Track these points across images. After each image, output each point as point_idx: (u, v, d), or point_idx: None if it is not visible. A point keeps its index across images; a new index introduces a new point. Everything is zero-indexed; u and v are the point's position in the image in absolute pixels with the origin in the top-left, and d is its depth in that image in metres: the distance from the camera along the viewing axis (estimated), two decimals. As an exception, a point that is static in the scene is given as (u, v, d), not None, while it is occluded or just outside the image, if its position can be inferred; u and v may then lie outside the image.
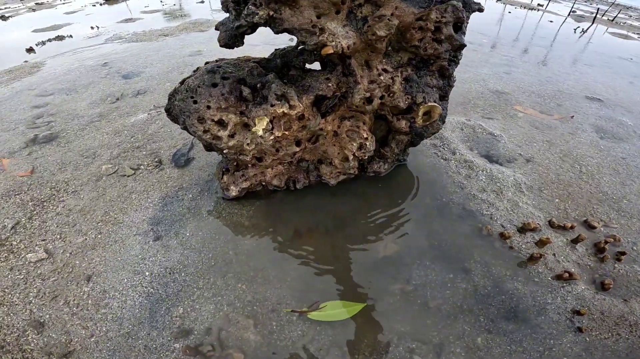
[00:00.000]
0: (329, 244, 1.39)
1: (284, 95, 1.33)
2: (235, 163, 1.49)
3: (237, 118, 1.33)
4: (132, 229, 1.43)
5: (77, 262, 1.31)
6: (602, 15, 6.13)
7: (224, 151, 1.39)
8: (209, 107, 1.30)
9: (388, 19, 1.25)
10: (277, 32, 1.27)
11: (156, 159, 1.81)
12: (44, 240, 1.39)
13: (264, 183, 1.57)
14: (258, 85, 1.36)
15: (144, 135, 1.98)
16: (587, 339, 1.14)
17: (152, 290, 1.24)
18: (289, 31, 1.25)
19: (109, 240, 1.39)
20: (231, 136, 1.35)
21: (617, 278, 1.33)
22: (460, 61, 1.49)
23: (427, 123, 1.51)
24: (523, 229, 1.47)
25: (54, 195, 1.59)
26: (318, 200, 1.57)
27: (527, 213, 1.56)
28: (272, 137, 1.36)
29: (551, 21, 5.48)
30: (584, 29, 5.06)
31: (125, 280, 1.26)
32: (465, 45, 1.41)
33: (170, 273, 1.28)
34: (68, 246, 1.36)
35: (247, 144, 1.37)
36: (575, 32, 4.87)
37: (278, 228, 1.45)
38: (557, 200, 1.66)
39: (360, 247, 1.39)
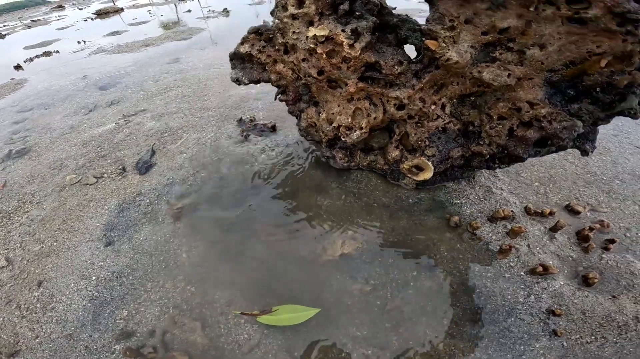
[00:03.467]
0: (287, 242, 1.40)
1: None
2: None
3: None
4: (86, 236, 1.50)
5: (32, 269, 1.39)
6: None
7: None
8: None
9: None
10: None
11: (120, 167, 1.87)
12: (6, 249, 1.48)
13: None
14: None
15: (110, 144, 2.05)
16: (565, 344, 1.00)
17: (96, 293, 1.29)
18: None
19: (62, 247, 1.46)
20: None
21: (605, 271, 1.15)
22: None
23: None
24: (494, 218, 1.32)
25: (20, 206, 1.68)
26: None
27: (500, 199, 1.43)
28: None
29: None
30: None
31: (72, 284, 1.32)
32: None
33: (117, 277, 1.33)
34: (26, 254, 1.44)
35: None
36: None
37: (234, 227, 1.48)
38: (536, 183, 1.50)
39: (319, 244, 1.36)
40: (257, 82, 1.65)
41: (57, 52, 4.01)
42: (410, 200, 1.49)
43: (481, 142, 1.39)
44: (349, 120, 1.53)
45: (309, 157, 1.84)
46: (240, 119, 2.20)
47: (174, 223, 1.52)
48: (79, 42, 4.26)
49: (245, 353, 1.09)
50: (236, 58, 1.60)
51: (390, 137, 1.59)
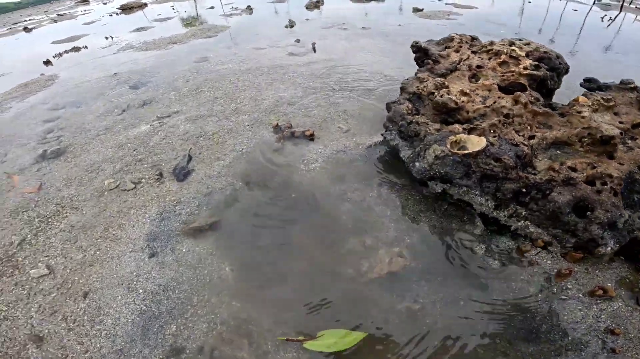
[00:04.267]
0: (330, 259, 1.35)
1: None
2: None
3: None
4: (129, 245, 1.45)
5: (76, 278, 1.35)
6: (630, 3, 5.67)
7: None
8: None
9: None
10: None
11: (157, 172, 1.83)
12: (47, 256, 1.44)
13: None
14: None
15: (145, 148, 2.01)
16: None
17: (144, 307, 1.25)
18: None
19: (106, 256, 1.42)
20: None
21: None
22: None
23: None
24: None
25: (58, 211, 1.64)
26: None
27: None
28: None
29: (575, 10, 5.13)
30: (612, 17, 4.69)
31: (120, 297, 1.28)
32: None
33: (164, 291, 1.29)
34: (68, 263, 1.40)
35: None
36: (602, 20, 4.53)
37: (277, 241, 1.42)
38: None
39: (365, 262, 1.32)
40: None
41: (86, 47, 4.01)
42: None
43: None
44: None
45: (350, 167, 1.78)
46: (277, 125, 2.14)
47: (215, 235, 1.46)
48: (106, 38, 4.25)
49: None
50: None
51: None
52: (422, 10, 4.71)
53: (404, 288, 1.23)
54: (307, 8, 5.13)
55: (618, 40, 3.61)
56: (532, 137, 1.60)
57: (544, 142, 1.51)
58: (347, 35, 3.72)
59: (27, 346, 1.16)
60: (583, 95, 1.58)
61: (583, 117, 1.46)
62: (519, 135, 1.61)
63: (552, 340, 1.08)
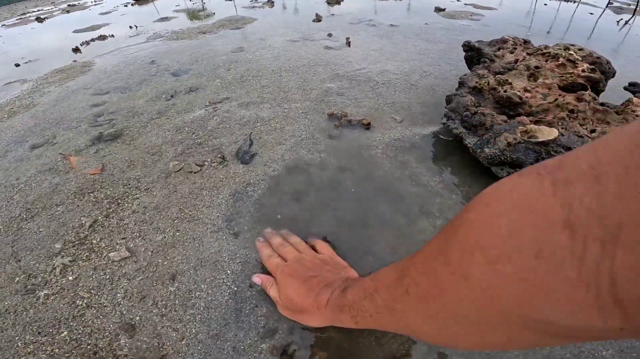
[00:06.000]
0: (403, 240, 1.33)
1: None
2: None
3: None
4: (208, 226, 1.41)
5: (160, 261, 1.30)
6: (646, 5, 5.78)
7: None
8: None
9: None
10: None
11: (219, 155, 1.79)
12: (124, 238, 1.39)
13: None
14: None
15: (204, 132, 1.97)
16: None
17: (235, 288, 1.21)
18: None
19: (187, 237, 1.37)
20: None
21: None
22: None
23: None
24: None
25: (127, 192, 1.59)
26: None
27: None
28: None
29: (591, 13, 5.21)
30: (626, 21, 4.78)
31: (209, 278, 1.23)
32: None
33: (251, 269, 1.25)
34: (149, 245, 1.35)
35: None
36: (617, 23, 4.60)
37: (349, 218, 1.39)
38: None
39: None
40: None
41: (112, 36, 3.94)
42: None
43: None
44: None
45: (412, 154, 1.76)
46: (332, 114, 2.11)
47: (289, 215, 1.43)
48: (130, 27, 4.19)
49: (383, 344, 1.00)
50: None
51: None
52: (444, 10, 4.73)
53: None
54: (328, 3, 5.12)
55: (634, 44, 3.66)
56: (593, 131, 1.68)
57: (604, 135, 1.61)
58: (378, 32, 3.71)
59: (119, 336, 1.08)
60: (636, 96, 1.71)
61: (637, 115, 1.57)
62: (583, 129, 1.68)
63: None
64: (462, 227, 0.37)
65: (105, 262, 1.31)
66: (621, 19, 4.90)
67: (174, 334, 1.09)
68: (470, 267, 0.34)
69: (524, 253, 0.27)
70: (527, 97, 1.86)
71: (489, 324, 0.35)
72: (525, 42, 2.39)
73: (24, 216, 1.53)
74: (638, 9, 5.61)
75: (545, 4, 5.81)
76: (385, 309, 0.55)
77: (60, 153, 1.85)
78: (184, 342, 1.08)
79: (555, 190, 0.26)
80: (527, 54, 2.28)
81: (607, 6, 5.79)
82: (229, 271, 1.25)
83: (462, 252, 0.36)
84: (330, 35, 3.57)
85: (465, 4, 5.08)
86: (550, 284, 0.26)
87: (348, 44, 3.32)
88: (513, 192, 0.31)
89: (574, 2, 6.29)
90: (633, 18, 5.01)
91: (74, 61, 3.18)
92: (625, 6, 5.85)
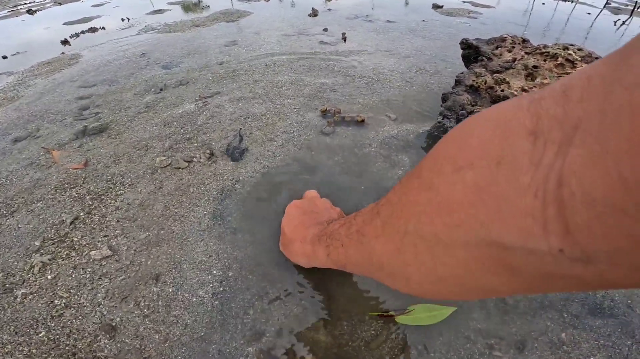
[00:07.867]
0: None
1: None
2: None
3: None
4: (195, 224, 1.36)
5: (142, 260, 1.25)
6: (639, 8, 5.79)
7: None
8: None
9: None
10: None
11: (208, 151, 1.74)
12: (106, 236, 1.34)
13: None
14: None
15: (193, 127, 1.91)
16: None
17: (221, 289, 1.16)
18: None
19: (172, 236, 1.32)
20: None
21: None
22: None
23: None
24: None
25: (110, 188, 1.53)
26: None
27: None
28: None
29: (589, 13, 5.20)
30: (624, 21, 4.77)
31: (195, 279, 1.19)
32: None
33: (239, 269, 1.21)
34: (132, 243, 1.30)
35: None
36: (615, 24, 4.59)
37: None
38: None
39: None
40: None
41: (103, 28, 3.85)
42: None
43: None
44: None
45: (406, 152, 1.71)
46: (326, 110, 2.07)
47: (281, 215, 1.38)
48: (122, 20, 4.09)
49: (373, 349, 0.98)
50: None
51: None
52: (442, 7, 4.68)
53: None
54: (324, -2, 5.05)
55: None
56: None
57: None
58: (375, 28, 3.65)
59: (99, 338, 1.04)
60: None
61: None
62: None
63: (615, 315, 1.04)
64: (440, 142, 0.37)
65: (85, 261, 1.25)
66: (618, 19, 4.91)
67: (157, 336, 1.05)
68: (436, 177, 0.34)
69: (487, 160, 0.28)
70: (524, 97, 1.85)
71: (445, 247, 0.34)
72: (524, 40, 2.35)
73: (4, 212, 1.47)
74: (635, 9, 5.61)
75: (544, 3, 5.79)
76: (355, 235, 0.54)
77: (42, 147, 1.79)
78: (167, 344, 1.03)
79: (529, 106, 0.28)
80: (526, 52, 2.24)
81: (604, 6, 5.79)
82: (214, 272, 1.21)
83: (433, 163, 0.36)
84: (326, 30, 3.51)
85: (463, 2, 5.04)
86: (503, 192, 0.26)
87: (344, 39, 3.27)
88: (492, 110, 0.32)
89: (572, 1, 6.29)
90: (630, 19, 5.01)
91: (62, 53, 3.09)
92: (623, 7, 5.85)
